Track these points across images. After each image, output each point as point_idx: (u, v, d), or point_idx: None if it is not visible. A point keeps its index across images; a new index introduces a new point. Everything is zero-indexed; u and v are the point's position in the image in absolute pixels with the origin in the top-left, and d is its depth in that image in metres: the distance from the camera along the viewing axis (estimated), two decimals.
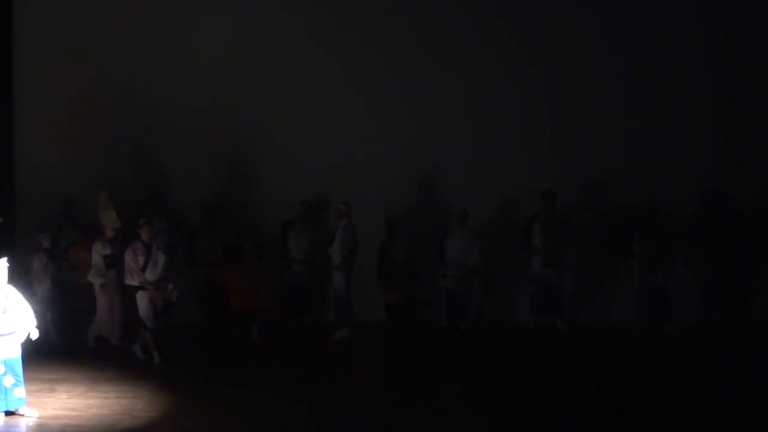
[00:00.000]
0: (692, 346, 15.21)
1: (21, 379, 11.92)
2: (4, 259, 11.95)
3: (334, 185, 16.35)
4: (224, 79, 16.47)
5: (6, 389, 11.83)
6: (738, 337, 15.43)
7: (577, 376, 13.44)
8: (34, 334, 11.96)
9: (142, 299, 14.12)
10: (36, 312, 12.36)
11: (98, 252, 14.95)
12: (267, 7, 16.61)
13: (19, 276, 13.36)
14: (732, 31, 16.37)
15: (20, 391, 11.90)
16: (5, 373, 11.82)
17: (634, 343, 15.44)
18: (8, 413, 11.85)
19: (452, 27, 16.58)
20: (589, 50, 16.53)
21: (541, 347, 15.10)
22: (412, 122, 16.56)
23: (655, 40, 16.48)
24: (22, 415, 11.89)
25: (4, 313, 11.67)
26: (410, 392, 12.86)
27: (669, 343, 15.31)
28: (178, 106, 16.48)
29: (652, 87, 16.51)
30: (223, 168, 16.58)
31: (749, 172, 16.32)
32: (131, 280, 14.11)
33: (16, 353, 11.89)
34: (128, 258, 14.03)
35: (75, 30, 16.59)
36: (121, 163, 16.51)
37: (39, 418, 11.87)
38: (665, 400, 12.34)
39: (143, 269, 14.04)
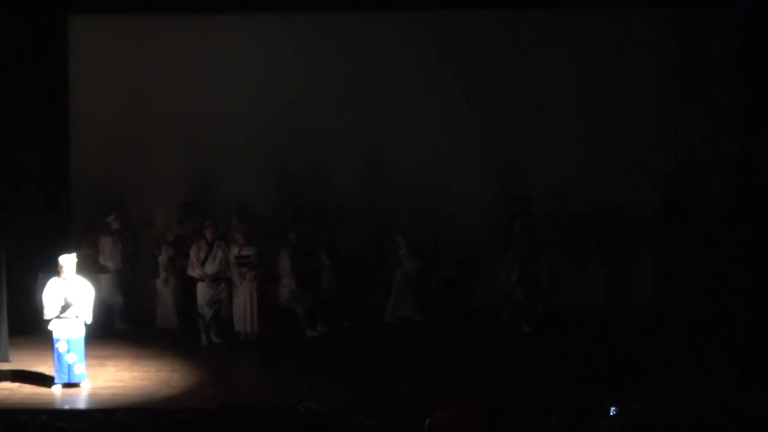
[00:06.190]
0: (647, 327, 15.63)
1: (82, 357, 12.79)
2: (73, 255, 12.95)
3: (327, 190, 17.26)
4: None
5: (69, 365, 12.72)
6: (686, 319, 15.88)
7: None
8: (88, 318, 12.80)
9: (200, 290, 15.48)
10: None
11: None
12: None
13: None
14: (686, 40, 16.79)
15: (80, 367, 12.76)
16: (69, 351, 12.75)
17: (599, 324, 16.02)
18: (65, 385, 12.73)
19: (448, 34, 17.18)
20: (552, 65, 17.10)
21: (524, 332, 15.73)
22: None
23: (613, 55, 17.05)
24: (78, 386, 12.80)
25: (70, 300, 12.67)
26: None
27: (626, 324, 15.79)
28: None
29: (631, 97, 17.15)
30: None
31: (704, 177, 16.93)
32: (192, 272, 15.52)
33: (79, 334, 12.79)
34: (192, 253, 15.48)
35: (136, 59, 17.13)
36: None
37: (92, 388, 12.80)
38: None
39: (203, 263, 15.49)
